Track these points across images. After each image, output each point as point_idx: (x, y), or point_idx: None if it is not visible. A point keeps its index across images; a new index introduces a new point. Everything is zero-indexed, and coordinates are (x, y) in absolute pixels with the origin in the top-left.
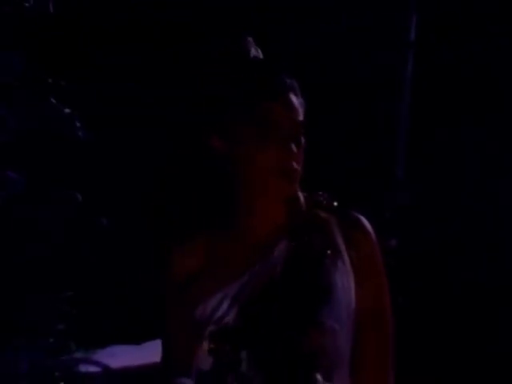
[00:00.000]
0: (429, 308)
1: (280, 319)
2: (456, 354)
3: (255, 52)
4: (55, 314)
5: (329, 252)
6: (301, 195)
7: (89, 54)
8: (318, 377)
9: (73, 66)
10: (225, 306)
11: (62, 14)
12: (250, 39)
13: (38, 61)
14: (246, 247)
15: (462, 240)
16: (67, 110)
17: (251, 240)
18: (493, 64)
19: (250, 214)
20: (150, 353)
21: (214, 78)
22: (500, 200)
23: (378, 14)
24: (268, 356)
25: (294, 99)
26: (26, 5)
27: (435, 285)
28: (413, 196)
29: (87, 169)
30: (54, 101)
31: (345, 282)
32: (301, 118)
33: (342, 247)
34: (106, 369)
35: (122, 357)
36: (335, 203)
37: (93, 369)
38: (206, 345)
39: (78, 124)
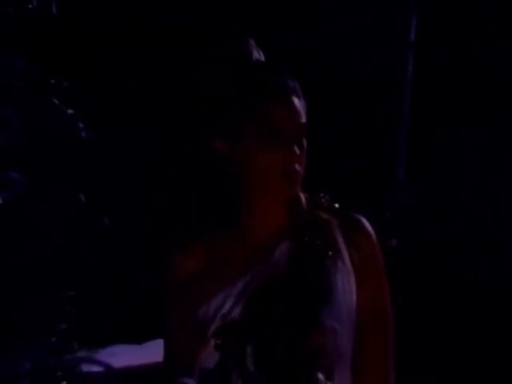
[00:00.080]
0: (429, 308)
1: (281, 319)
2: (456, 354)
3: (257, 54)
4: (57, 313)
5: (330, 253)
6: (302, 196)
7: (90, 55)
8: (320, 376)
9: (74, 66)
10: (228, 304)
11: (63, 15)
12: (252, 41)
13: (40, 61)
14: (246, 247)
15: (462, 240)
16: (70, 111)
17: (252, 240)
18: (493, 64)
19: (250, 214)
20: (152, 352)
21: (214, 78)
22: (500, 200)
23: (378, 14)
24: (270, 355)
25: (296, 101)
26: (29, 6)
27: (435, 285)
28: (413, 196)
29: (88, 169)
30: (56, 101)
31: (345, 282)
32: (303, 120)
33: (343, 248)
34: (109, 368)
35: (124, 356)
36: (336, 205)
37: (95, 368)
38: (212, 341)
39: (80, 125)
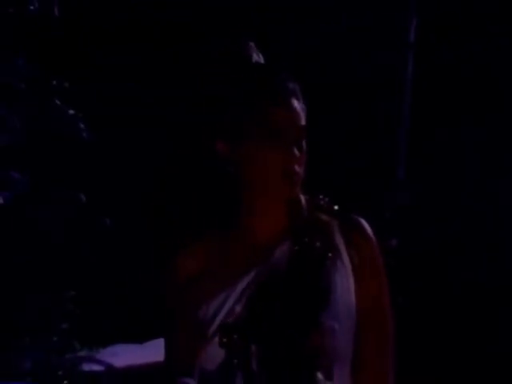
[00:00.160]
0: (429, 308)
1: (281, 319)
2: (456, 354)
3: (257, 57)
4: (58, 313)
5: (329, 254)
6: (302, 198)
7: (90, 55)
8: (319, 376)
9: (75, 66)
10: (228, 304)
11: (64, 16)
12: (252, 44)
13: (40, 62)
14: (246, 247)
15: (462, 240)
16: (70, 111)
17: (252, 240)
18: (492, 64)
19: (250, 214)
20: (152, 352)
21: (214, 78)
22: (500, 200)
23: (378, 14)
24: (270, 355)
25: (296, 103)
26: (31, 8)
27: (435, 285)
28: (413, 196)
29: (88, 169)
30: (57, 102)
31: (345, 283)
32: (302, 121)
33: (343, 249)
34: (109, 367)
35: (124, 356)
36: (336, 206)
37: (96, 367)
38: (217, 339)
39: (81, 125)
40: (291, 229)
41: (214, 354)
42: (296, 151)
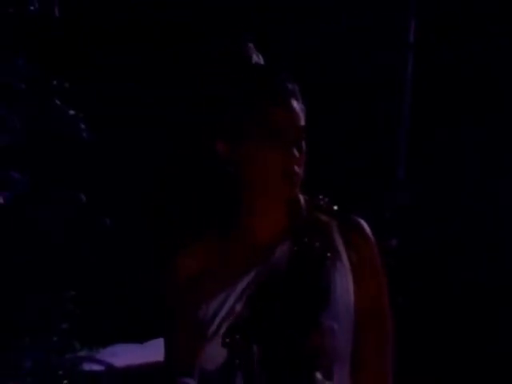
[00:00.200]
0: (429, 308)
1: (281, 319)
2: (456, 354)
3: (256, 58)
4: (59, 313)
5: (329, 254)
6: (302, 198)
7: (90, 55)
8: (318, 376)
9: (75, 66)
10: (228, 305)
11: (64, 16)
12: (251, 45)
13: (41, 62)
14: (246, 247)
15: (462, 240)
16: (71, 111)
17: (252, 240)
18: (492, 64)
19: (250, 214)
20: (152, 351)
21: (214, 78)
22: (500, 200)
23: (378, 14)
24: (271, 355)
25: (295, 104)
26: (31, 8)
27: (435, 285)
28: (413, 196)
29: (89, 169)
30: (57, 102)
31: (344, 283)
32: (302, 122)
33: (342, 250)
34: (110, 367)
35: (124, 355)
36: (335, 207)
37: (96, 367)
38: (216, 340)
39: (81, 125)
40: (291, 229)
41: (214, 354)
42: (296, 151)
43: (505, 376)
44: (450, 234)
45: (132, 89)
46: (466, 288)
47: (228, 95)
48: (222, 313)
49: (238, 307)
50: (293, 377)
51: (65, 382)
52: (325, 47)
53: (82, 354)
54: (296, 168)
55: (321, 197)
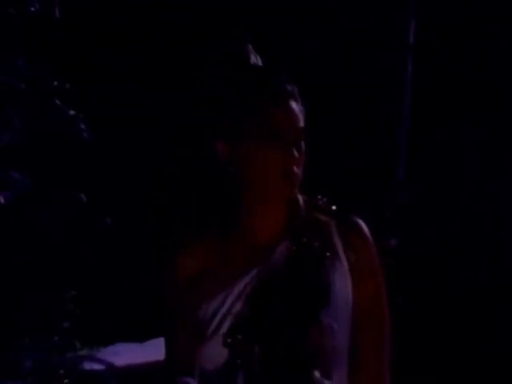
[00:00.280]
0: (429, 308)
1: (282, 318)
2: (456, 354)
3: (254, 59)
4: (59, 312)
5: (328, 254)
6: (300, 199)
7: (91, 56)
8: (317, 374)
9: (76, 67)
10: (227, 304)
11: (65, 17)
12: (250, 46)
13: (41, 62)
14: (246, 247)
15: (462, 240)
16: (71, 112)
17: (251, 240)
18: (492, 64)
19: (250, 214)
20: (152, 351)
21: (214, 79)
22: (500, 200)
23: (378, 16)
24: (271, 354)
25: (295, 105)
26: (32, 9)
27: (435, 285)
28: (413, 196)
29: (89, 169)
30: (57, 102)
31: (343, 282)
32: (301, 123)
33: (341, 249)
34: (110, 366)
35: (125, 355)
36: (333, 207)
37: (97, 366)
38: (216, 339)
39: (82, 125)
40: (290, 229)
41: (214, 354)
42: (295, 152)
43: (505, 376)
44: (450, 234)
45: (132, 89)
46: (466, 288)
47: (228, 96)
48: (222, 312)
49: (238, 307)
50: (292, 376)
51: (65, 381)
52: (325, 48)
53: (83, 353)
54: (295, 168)
55: (319, 197)
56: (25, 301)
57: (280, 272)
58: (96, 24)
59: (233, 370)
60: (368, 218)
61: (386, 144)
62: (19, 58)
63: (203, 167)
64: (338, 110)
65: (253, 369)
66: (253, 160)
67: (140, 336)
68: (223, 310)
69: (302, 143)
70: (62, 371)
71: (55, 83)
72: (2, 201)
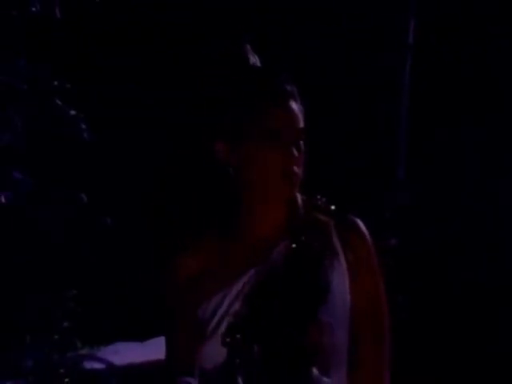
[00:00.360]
0: (429, 308)
1: (280, 316)
2: (456, 354)
3: (253, 59)
4: (60, 312)
5: (327, 253)
6: (300, 198)
7: (91, 56)
8: (315, 371)
9: (77, 68)
10: (226, 303)
11: (66, 18)
12: (248, 46)
13: (42, 63)
14: (246, 247)
15: (462, 240)
16: (72, 112)
17: (251, 240)
18: (492, 64)
19: (250, 214)
20: (153, 350)
21: (214, 79)
22: (500, 200)
23: (378, 16)
24: (270, 353)
25: (294, 105)
26: (33, 9)
27: (435, 285)
28: (413, 196)
29: (89, 169)
30: (58, 102)
31: (341, 281)
32: (301, 123)
33: (339, 249)
34: (111, 366)
35: (125, 354)
36: (332, 207)
37: (97, 365)
38: (215, 339)
39: (82, 125)
40: (289, 228)
41: (214, 353)
42: (295, 152)
43: (505, 376)
44: (450, 234)
45: (132, 89)
46: (466, 288)
47: (228, 96)
48: (221, 311)
49: (237, 306)
50: (291, 374)
51: (66, 380)
52: (324, 48)
53: (83, 352)
54: (295, 168)
55: (318, 196)
56: (25, 300)
57: (279, 271)
58: (96, 24)
59: (232, 369)
60: (368, 218)
61: (386, 144)
62: (20, 58)
63: (203, 167)
64: (337, 110)
65: (252, 368)
66: (253, 160)
67: (140, 335)
68: (222, 309)
69: (302, 143)
70: (62, 370)
71: (56, 83)
72: (3, 200)
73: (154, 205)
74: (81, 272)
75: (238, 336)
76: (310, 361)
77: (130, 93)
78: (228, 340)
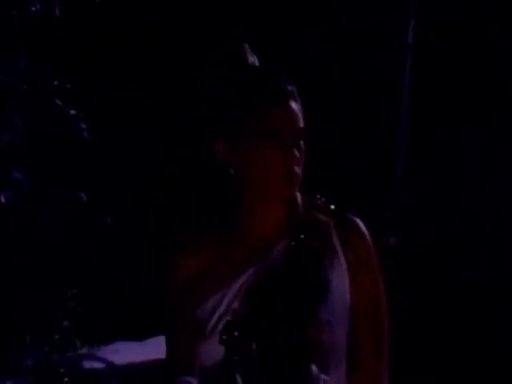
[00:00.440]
0: (429, 308)
1: (279, 314)
2: (456, 354)
3: (252, 58)
4: (60, 311)
5: (327, 253)
6: (300, 198)
7: (91, 56)
8: (313, 368)
9: (77, 67)
10: (226, 302)
11: (66, 17)
12: (247, 46)
13: (42, 63)
14: (246, 247)
15: (462, 240)
16: (72, 112)
17: (251, 240)
18: (492, 64)
19: (250, 214)
20: (153, 349)
21: (214, 79)
22: (500, 200)
23: (378, 16)
24: (269, 351)
25: (295, 105)
26: (33, 9)
27: (435, 285)
28: (413, 196)
29: (89, 169)
30: (58, 102)
31: (340, 281)
32: (301, 123)
33: (339, 248)
34: (110, 365)
35: (125, 353)
36: (332, 207)
37: (97, 365)
38: (215, 337)
39: (82, 125)
40: (289, 228)
41: (213, 352)
42: (295, 152)
43: (505, 376)
44: (450, 233)
45: (132, 89)
46: (466, 288)
47: (228, 96)
48: (220, 310)
49: (236, 304)
50: (290, 371)
51: (66, 379)
52: (324, 48)
53: (83, 351)
54: (296, 168)
55: (318, 196)
56: (25, 300)
57: (278, 269)
58: (96, 24)
59: (230, 366)
60: (368, 218)
61: (386, 144)
62: (20, 58)
63: (203, 167)
64: (337, 110)
65: (250, 365)
66: (253, 160)
67: (140, 334)
68: (221, 308)
69: (302, 143)
70: (62, 370)
71: (56, 83)
72: (3, 200)
73: (154, 205)
74: (81, 272)
75: (236, 333)
76: (309, 358)
77: (130, 93)
78: (225, 338)
